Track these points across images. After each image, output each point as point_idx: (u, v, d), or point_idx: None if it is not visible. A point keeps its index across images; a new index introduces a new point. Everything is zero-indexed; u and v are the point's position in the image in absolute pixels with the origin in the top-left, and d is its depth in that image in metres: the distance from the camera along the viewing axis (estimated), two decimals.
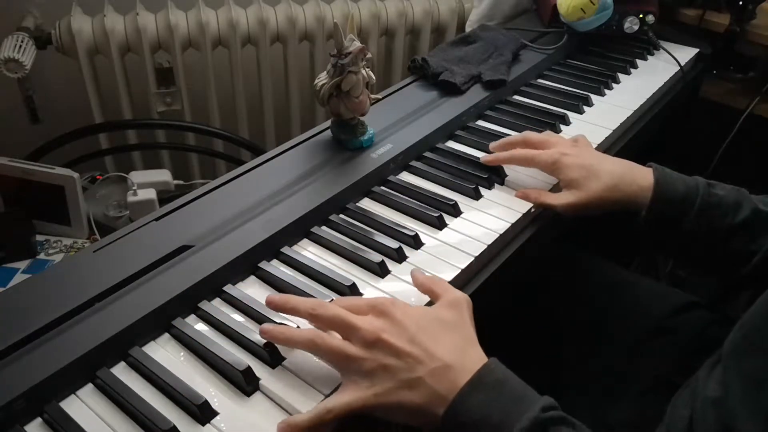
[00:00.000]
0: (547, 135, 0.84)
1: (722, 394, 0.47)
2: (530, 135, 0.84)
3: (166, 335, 0.60)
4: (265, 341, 0.57)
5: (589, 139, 0.85)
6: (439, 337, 0.55)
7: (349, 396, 0.51)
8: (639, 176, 0.75)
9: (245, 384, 0.54)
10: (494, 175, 0.82)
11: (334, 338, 0.54)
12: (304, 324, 0.58)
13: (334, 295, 0.63)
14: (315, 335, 0.54)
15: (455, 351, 0.54)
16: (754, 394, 0.44)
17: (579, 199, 0.75)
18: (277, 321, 0.59)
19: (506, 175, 0.83)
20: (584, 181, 0.76)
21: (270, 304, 0.58)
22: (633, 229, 0.75)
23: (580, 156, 0.78)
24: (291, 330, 0.56)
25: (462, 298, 0.59)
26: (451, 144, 0.91)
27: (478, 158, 0.85)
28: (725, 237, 0.73)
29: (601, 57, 1.18)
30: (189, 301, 0.61)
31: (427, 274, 0.65)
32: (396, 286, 0.65)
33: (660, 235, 0.76)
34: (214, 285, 0.63)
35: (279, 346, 0.57)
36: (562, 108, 1.00)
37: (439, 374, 0.52)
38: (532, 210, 0.78)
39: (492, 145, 0.86)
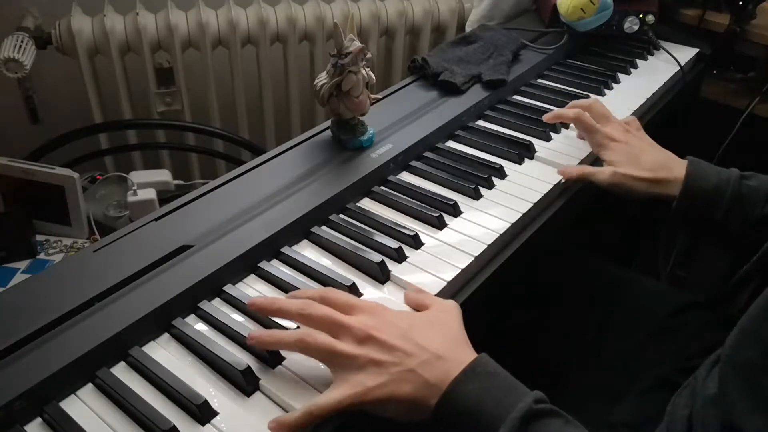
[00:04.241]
0: (608, 113, 0.89)
1: (720, 389, 0.46)
2: (597, 105, 0.89)
3: (166, 335, 0.60)
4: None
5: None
6: (430, 333, 0.55)
7: (340, 392, 0.51)
8: (675, 167, 0.79)
9: (245, 384, 0.54)
10: (495, 174, 0.82)
11: (325, 336, 0.54)
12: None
13: None
14: (305, 334, 0.54)
15: (446, 345, 0.54)
16: (752, 386, 0.44)
17: (616, 177, 0.80)
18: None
19: (507, 175, 0.83)
20: (625, 165, 0.81)
21: (253, 306, 0.57)
22: (666, 218, 0.79)
23: (628, 141, 0.84)
24: (279, 332, 0.56)
25: (452, 304, 0.60)
26: (451, 144, 0.91)
27: (479, 158, 0.86)
28: (756, 228, 0.74)
29: (601, 57, 1.18)
30: (189, 301, 0.61)
31: (418, 279, 0.65)
32: (396, 286, 0.65)
33: (692, 225, 0.80)
34: (214, 285, 0.63)
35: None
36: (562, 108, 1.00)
37: (431, 365, 0.52)
38: (562, 181, 0.83)
39: (572, 103, 0.91)
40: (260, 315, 0.60)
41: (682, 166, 0.79)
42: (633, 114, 1.01)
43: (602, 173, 0.81)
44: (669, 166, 0.80)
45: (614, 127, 0.86)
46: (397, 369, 0.52)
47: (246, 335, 0.57)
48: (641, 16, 1.17)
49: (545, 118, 0.92)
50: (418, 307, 0.61)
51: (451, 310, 0.59)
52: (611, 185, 0.81)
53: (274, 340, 0.55)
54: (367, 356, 0.52)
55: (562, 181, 0.82)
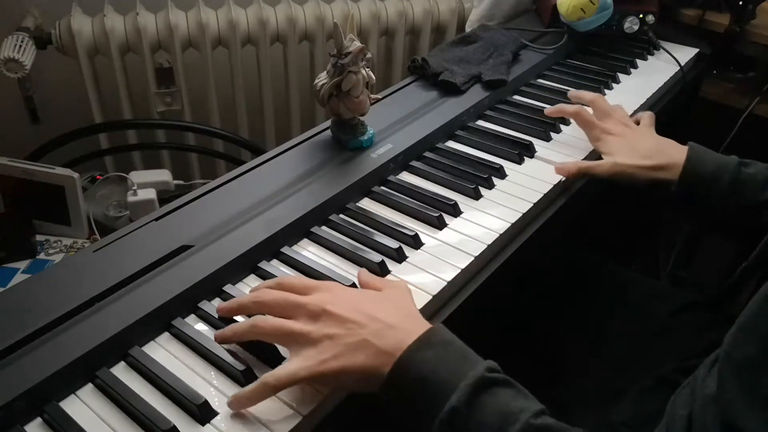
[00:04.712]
0: (612, 110, 0.90)
1: (719, 387, 0.46)
2: (600, 101, 0.91)
3: (166, 335, 0.60)
4: (265, 341, 0.57)
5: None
6: (383, 306, 0.56)
7: (295, 364, 0.52)
8: (674, 152, 0.81)
9: (245, 384, 0.54)
10: (495, 174, 0.82)
11: (276, 318, 0.55)
12: None
13: None
14: (258, 319, 0.55)
15: (399, 317, 0.55)
16: (751, 383, 0.44)
17: (616, 167, 0.81)
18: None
19: (507, 175, 0.83)
20: (623, 154, 0.82)
21: (220, 311, 0.59)
22: (666, 202, 0.81)
23: (624, 134, 0.86)
24: (235, 324, 0.56)
25: (402, 284, 0.62)
26: (451, 144, 0.91)
27: (479, 158, 0.86)
28: (754, 213, 0.76)
29: (601, 57, 1.18)
30: (189, 301, 0.61)
31: (418, 279, 0.65)
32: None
33: (689, 209, 0.81)
34: (214, 285, 0.63)
35: (279, 346, 0.57)
36: None
37: (384, 333, 0.53)
38: (562, 180, 0.82)
39: (570, 93, 0.96)
40: (260, 315, 0.60)
41: (682, 151, 0.80)
42: (633, 114, 1.01)
43: (602, 166, 0.82)
44: (668, 152, 0.81)
45: (613, 123, 0.88)
46: (351, 340, 0.52)
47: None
48: (641, 16, 1.17)
49: (547, 111, 0.94)
50: (371, 289, 0.62)
51: (403, 288, 0.61)
52: (612, 176, 0.82)
53: (231, 333, 0.56)
54: (320, 331, 0.53)
55: (562, 180, 0.82)
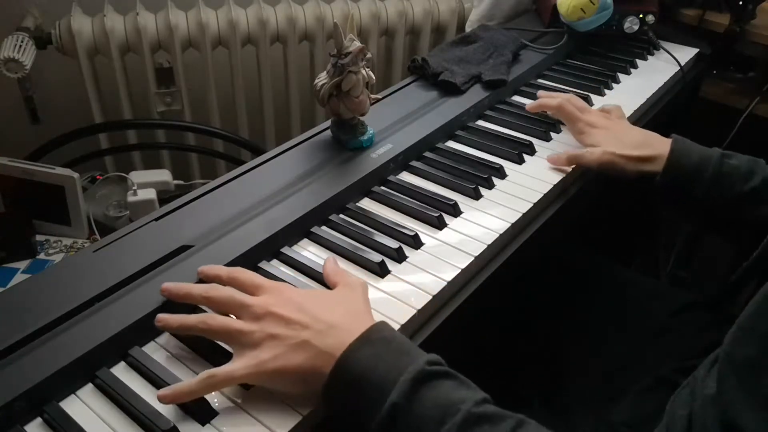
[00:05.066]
0: (586, 105, 0.92)
1: (719, 388, 0.46)
2: (575, 98, 0.92)
3: (167, 335, 0.59)
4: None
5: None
6: (328, 306, 0.56)
7: (236, 364, 0.52)
8: (658, 144, 0.82)
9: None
10: (495, 174, 0.82)
11: (223, 318, 0.55)
12: None
13: None
14: (207, 315, 0.55)
15: (344, 317, 0.55)
16: (751, 384, 0.44)
17: (605, 156, 0.82)
18: None
19: (507, 175, 0.83)
20: (610, 145, 0.83)
21: (164, 291, 0.59)
22: (650, 194, 0.81)
23: (609, 127, 0.87)
24: (183, 315, 0.56)
25: (357, 281, 0.61)
26: (451, 144, 0.91)
27: (479, 158, 0.86)
28: (736, 205, 0.76)
29: (601, 57, 1.18)
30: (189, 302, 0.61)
31: (418, 279, 0.65)
32: (396, 286, 0.65)
33: (674, 201, 0.81)
34: None
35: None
36: None
37: (325, 334, 0.53)
38: (567, 170, 0.84)
39: (540, 93, 0.96)
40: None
41: (666, 143, 0.81)
42: (633, 114, 1.01)
43: (591, 154, 0.83)
44: (653, 144, 0.82)
45: (596, 116, 0.89)
46: (292, 341, 0.52)
47: None
48: (641, 16, 1.17)
49: (528, 107, 0.94)
50: (329, 285, 0.62)
51: (356, 286, 0.60)
52: (601, 165, 0.82)
53: (178, 323, 0.56)
54: (263, 331, 0.53)
55: (562, 180, 0.82)
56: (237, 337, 0.54)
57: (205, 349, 0.57)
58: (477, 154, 0.87)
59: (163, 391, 0.51)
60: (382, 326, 0.54)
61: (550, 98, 0.93)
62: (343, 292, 0.60)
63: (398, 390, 0.49)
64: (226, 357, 0.54)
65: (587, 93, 1.04)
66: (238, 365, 0.52)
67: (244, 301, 0.55)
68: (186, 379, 0.54)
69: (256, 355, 0.52)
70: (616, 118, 0.90)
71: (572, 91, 1.05)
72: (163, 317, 0.56)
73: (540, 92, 0.97)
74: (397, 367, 0.50)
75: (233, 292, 0.56)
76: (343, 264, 0.68)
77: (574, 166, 0.84)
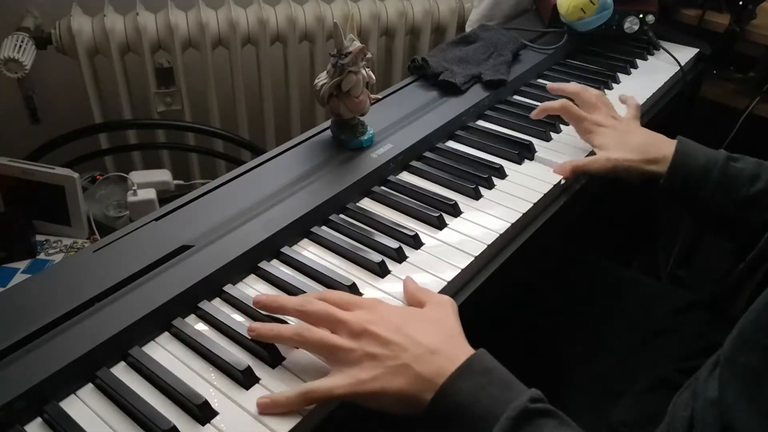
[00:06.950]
0: (597, 99, 0.90)
1: (720, 393, 0.46)
2: (585, 93, 0.90)
3: (166, 335, 0.59)
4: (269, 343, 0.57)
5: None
6: (425, 328, 0.55)
7: (334, 381, 0.52)
8: (664, 146, 0.81)
9: (245, 384, 0.54)
10: (495, 174, 0.82)
11: (322, 330, 0.55)
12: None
13: None
14: (303, 328, 0.55)
15: (441, 340, 0.54)
16: (752, 389, 0.44)
17: (610, 162, 0.81)
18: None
19: (507, 175, 0.83)
20: (614, 148, 0.82)
21: (257, 304, 0.59)
22: (657, 196, 0.81)
23: (614, 126, 0.86)
24: (278, 325, 0.56)
25: (447, 300, 0.60)
26: (451, 144, 0.91)
27: (479, 158, 0.85)
28: (741, 208, 0.75)
29: (601, 57, 1.18)
30: (189, 301, 0.61)
31: (418, 279, 0.65)
32: (396, 286, 0.65)
33: (679, 203, 0.81)
34: (214, 285, 0.63)
35: (279, 346, 0.57)
36: None
37: (425, 359, 0.52)
38: (563, 182, 0.82)
39: (549, 85, 0.94)
40: (262, 313, 0.60)
41: (671, 144, 0.80)
42: None
43: (595, 162, 0.82)
44: (658, 145, 0.81)
45: (602, 115, 0.88)
46: (392, 363, 0.52)
47: (246, 335, 0.57)
48: (641, 16, 1.17)
49: (533, 115, 0.92)
50: (414, 304, 0.61)
51: (446, 305, 0.60)
52: (606, 172, 0.82)
53: (273, 334, 0.56)
54: (362, 349, 0.53)
55: (562, 180, 0.82)
56: (334, 353, 0.53)
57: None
58: (477, 154, 0.87)
59: (262, 399, 0.52)
60: (482, 355, 0.54)
61: (558, 91, 0.93)
62: (435, 312, 0.58)
63: (500, 427, 0.48)
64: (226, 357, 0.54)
65: None
66: (338, 383, 0.52)
67: (340, 316, 0.55)
68: (186, 379, 0.54)
69: (355, 374, 0.52)
70: (627, 118, 0.90)
71: None
72: (256, 326, 0.56)
73: (549, 85, 0.96)
74: (500, 401, 0.50)
75: (329, 307, 0.56)
76: (343, 264, 0.68)
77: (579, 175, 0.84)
